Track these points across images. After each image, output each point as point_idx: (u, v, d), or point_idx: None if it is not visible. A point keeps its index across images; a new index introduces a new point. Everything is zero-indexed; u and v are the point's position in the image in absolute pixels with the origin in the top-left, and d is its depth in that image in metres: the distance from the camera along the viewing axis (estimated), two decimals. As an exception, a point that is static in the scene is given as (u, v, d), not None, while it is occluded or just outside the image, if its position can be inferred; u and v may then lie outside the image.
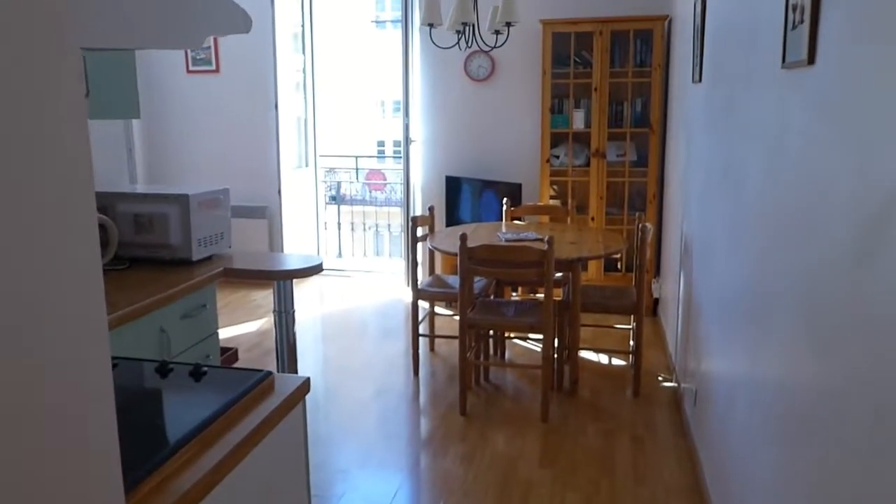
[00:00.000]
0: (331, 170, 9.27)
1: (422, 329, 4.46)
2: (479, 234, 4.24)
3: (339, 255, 7.55)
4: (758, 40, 2.17)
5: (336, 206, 8.30)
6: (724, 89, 2.74)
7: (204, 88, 6.26)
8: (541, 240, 3.92)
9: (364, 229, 7.93)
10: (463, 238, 3.50)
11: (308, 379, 1.73)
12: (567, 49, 5.32)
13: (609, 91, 5.28)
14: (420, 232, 4.42)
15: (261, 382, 1.63)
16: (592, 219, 5.40)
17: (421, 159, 6.14)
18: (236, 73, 6.18)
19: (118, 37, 1.17)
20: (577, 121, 5.40)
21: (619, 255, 5.26)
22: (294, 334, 3.00)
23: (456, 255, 3.58)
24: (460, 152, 5.99)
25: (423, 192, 6.18)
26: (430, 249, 4.33)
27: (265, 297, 5.85)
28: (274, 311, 2.95)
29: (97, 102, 2.58)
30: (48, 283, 0.81)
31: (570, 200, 5.10)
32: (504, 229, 4.42)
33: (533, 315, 3.70)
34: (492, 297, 4.30)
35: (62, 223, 0.83)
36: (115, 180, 3.19)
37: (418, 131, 6.09)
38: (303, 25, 6.40)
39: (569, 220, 4.84)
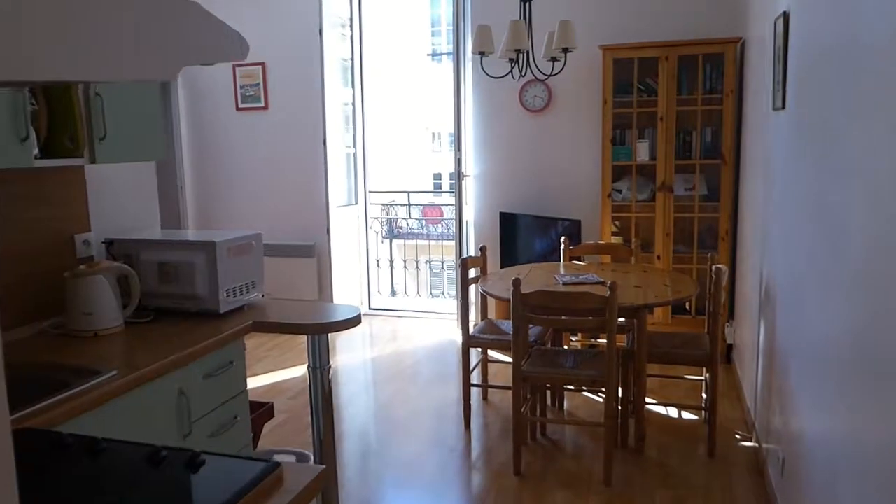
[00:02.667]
0: (386, 205, 9.12)
1: (474, 376, 4.15)
2: (535, 276, 3.93)
3: (393, 293, 7.32)
4: (862, 63, 1.84)
5: (389, 242, 8.09)
6: (817, 118, 2.39)
7: (253, 125, 6.18)
8: (602, 283, 3.59)
9: (416, 266, 7.69)
10: (516, 284, 3.19)
11: (324, 470, 1.45)
12: (629, 76, 5.01)
13: (676, 120, 4.93)
14: (472, 273, 4.13)
15: (266, 476, 1.36)
16: (658, 258, 5.03)
17: (474, 195, 5.89)
18: (284, 109, 6.08)
19: (77, 69, 0.97)
20: (641, 152, 5.06)
21: (688, 297, 4.88)
22: (330, 391, 2.74)
23: (509, 300, 3.28)
24: (516, 187, 5.72)
25: (477, 229, 5.92)
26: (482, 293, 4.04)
27: (313, 338, 5.64)
28: (308, 367, 2.69)
29: (118, 145, 2.40)
30: None
31: (633, 238, 4.77)
32: (562, 271, 4.10)
33: (594, 366, 3.36)
34: (548, 345, 3.97)
35: None
36: (149, 224, 3.02)
37: (471, 165, 5.85)
38: (352, 58, 6.27)
39: (632, 259, 4.48)
